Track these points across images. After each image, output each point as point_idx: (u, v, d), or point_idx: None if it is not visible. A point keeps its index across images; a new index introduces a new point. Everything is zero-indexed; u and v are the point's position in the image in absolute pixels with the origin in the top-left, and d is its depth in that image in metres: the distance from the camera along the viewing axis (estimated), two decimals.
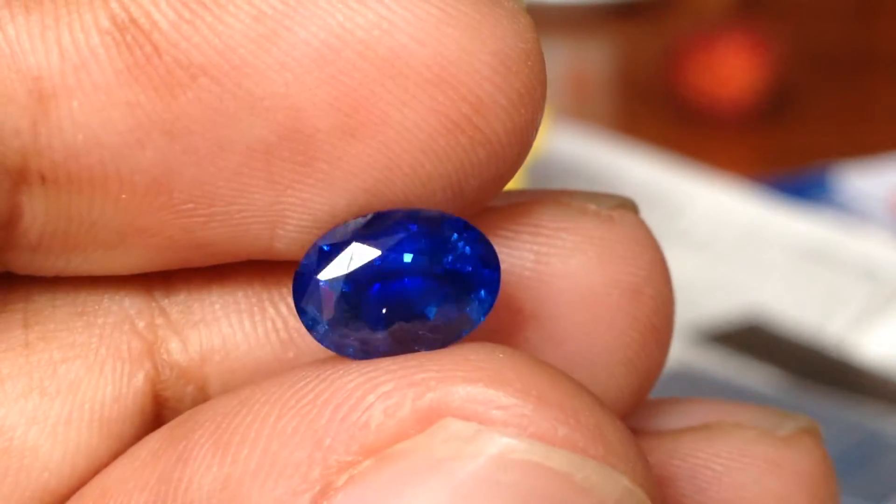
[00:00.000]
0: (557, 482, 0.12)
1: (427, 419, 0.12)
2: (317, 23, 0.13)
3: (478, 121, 0.13)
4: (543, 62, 0.14)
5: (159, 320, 0.14)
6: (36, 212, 0.13)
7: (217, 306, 0.15)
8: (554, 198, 0.15)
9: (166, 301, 0.15)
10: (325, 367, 0.13)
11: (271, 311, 0.15)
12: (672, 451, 0.16)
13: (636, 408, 0.16)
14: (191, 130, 0.13)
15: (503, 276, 0.14)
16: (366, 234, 0.13)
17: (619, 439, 0.12)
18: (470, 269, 0.13)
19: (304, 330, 0.14)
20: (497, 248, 0.14)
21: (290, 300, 0.14)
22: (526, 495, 0.12)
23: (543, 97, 0.14)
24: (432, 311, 0.13)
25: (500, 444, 0.12)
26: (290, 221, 0.14)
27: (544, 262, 0.15)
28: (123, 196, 0.13)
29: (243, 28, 0.13)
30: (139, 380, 0.14)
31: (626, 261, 0.15)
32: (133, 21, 0.13)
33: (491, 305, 0.13)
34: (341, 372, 0.13)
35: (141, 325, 0.14)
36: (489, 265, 0.13)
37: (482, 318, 0.13)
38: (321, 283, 0.13)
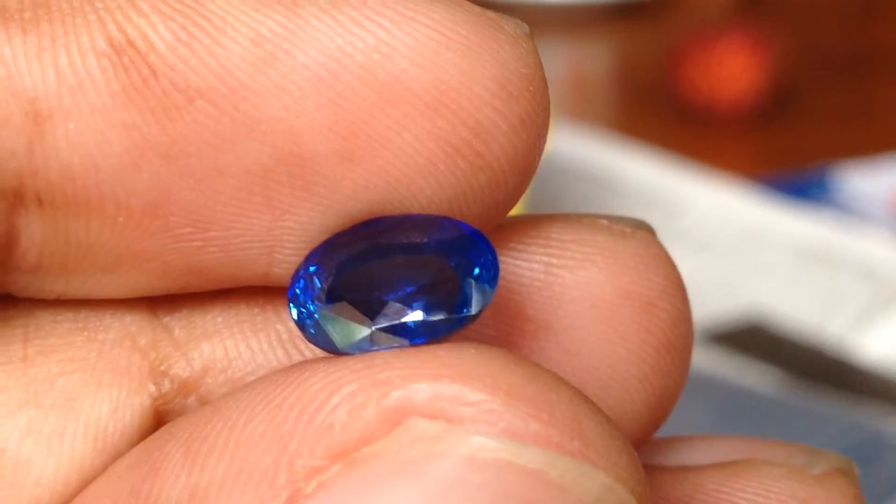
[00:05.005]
0: (531, 481, 0.11)
1: (393, 419, 0.12)
2: (316, 46, 0.13)
3: (478, 146, 0.13)
4: (546, 87, 0.13)
5: (161, 336, 0.14)
6: (33, 234, 0.13)
7: (219, 319, 0.14)
8: (565, 215, 0.15)
9: (169, 318, 0.14)
10: (293, 371, 0.13)
11: (274, 319, 0.15)
12: (697, 486, 0.15)
13: (655, 428, 0.16)
14: (187, 153, 0.13)
15: (514, 288, 0.14)
16: (355, 241, 0.13)
17: (599, 434, 0.12)
18: (464, 261, 0.13)
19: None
20: (507, 261, 0.14)
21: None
22: (498, 496, 0.11)
23: (546, 123, 0.13)
24: (429, 309, 0.13)
25: (469, 442, 0.11)
26: (288, 245, 0.14)
27: (555, 273, 0.15)
28: (120, 219, 0.13)
29: (241, 51, 0.13)
30: (138, 395, 0.14)
31: (639, 273, 0.15)
32: (130, 43, 0.13)
33: (491, 294, 0.13)
34: (307, 374, 0.12)
35: (143, 341, 0.14)
36: (484, 256, 0.13)
37: (483, 307, 0.13)
38: (315, 291, 0.13)
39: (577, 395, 0.12)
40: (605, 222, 0.15)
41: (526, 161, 0.13)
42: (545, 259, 0.15)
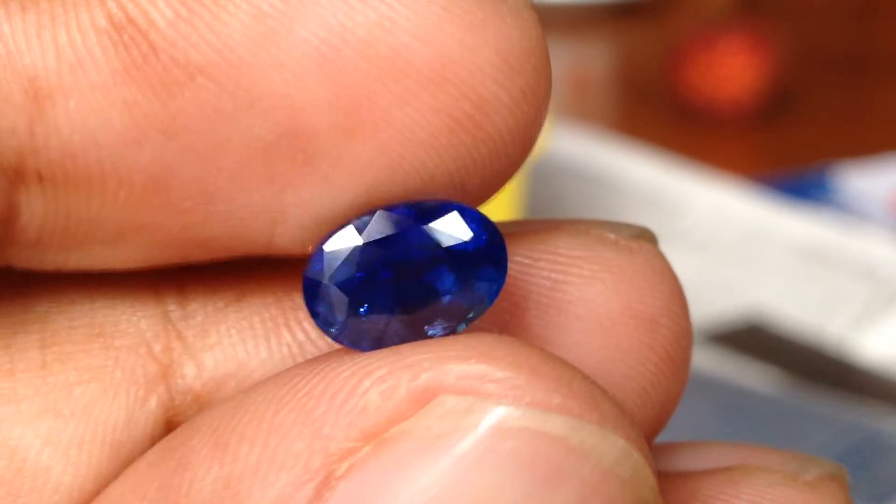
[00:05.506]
0: (556, 446, 0.12)
1: (423, 398, 0.12)
2: (317, 21, 0.13)
3: (480, 119, 0.13)
4: (548, 59, 0.13)
5: (175, 343, 0.14)
6: (34, 210, 0.13)
7: (233, 330, 0.15)
8: (572, 226, 0.15)
9: (183, 324, 0.14)
10: (319, 363, 0.13)
11: (287, 336, 0.15)
12: (694, 493, 0.15)
13: (653, 437, 0.16)
14: (188, 130, 0.13)
15: (521, 303, 0.15)
16: (369, 226, 0.13)
17: (612, 407, 0.12)
18: (477, 248, 0.13)
19: (320, 351, 0.14)
20: (514, 275, 0.14)
21: (307, 324, 0.14)
22: (526, 461, 0.12)
23: (547, 95, 0.14)
24: (443, 294, 0.13)
25: (497, 413, 0.12)
26: (291, 219, 0.13)
27: (561, 289, 0.15)
28: (121, 194, 0.13)
29: (242, 27, 0.13)
30: (152, 404, 0.14)
31: (644, 291, 0.15)
32: (130, 20, 0.13)
33: (501, 285, 0.13)
34: (335, 364, 0.13)
35: (157, 348, 0.14)
36: (495, 243, 0.13)
37: (494, 298, 0.13)
38: (332, 283, 0.13)
39: (588, 376, 0.13)
40: (612, 236, 0.15)
41: (527, 133, 0.14)
42: (552, 275, 0.15)
